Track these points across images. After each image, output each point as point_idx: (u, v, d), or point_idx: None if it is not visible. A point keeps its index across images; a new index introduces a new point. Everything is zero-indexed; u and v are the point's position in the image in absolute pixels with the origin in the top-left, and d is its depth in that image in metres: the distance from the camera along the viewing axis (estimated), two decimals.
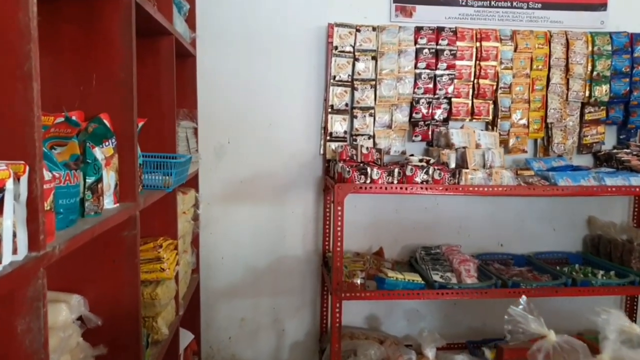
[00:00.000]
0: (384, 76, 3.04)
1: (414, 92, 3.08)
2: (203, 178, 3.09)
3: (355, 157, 2.85)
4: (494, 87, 3.12)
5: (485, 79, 3.11)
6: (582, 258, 3.28)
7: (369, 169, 2.58)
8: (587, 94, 3.18)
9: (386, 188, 2.59)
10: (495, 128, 3.16)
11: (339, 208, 2.55)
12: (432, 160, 2.81)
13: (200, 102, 3.01)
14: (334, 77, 3.03)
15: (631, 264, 2.96)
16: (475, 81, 3.12)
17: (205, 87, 3.04)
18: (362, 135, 3.08)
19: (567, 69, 3.15)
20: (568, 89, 3.16)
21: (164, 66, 2.22)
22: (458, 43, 3.08)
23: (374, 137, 3.10)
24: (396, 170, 2.62)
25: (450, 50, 3.07)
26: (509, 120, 3.16)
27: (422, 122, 3.12)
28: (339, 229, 2.56)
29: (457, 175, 2.64)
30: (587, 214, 3.39)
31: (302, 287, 3.27)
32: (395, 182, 2.62)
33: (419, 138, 3.13)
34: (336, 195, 2.54)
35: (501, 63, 3.11)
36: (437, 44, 3.07)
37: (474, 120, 3.16)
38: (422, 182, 2.61)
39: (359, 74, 3.05)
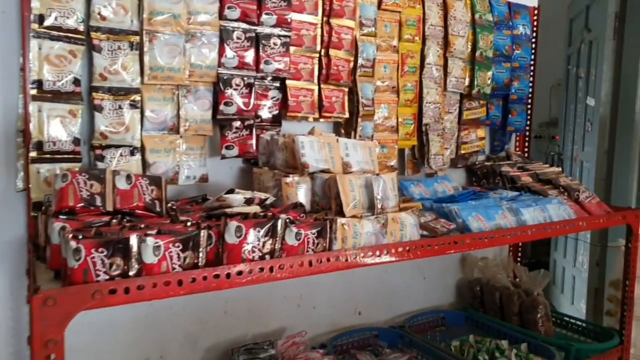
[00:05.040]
0: (157, 26, 1.48)
1: (219, 64, 1.60)
2: None
3: (99, 202, 1.23)
4: (351, 64, 1.87)
5: (339, 50, 1.83)
6: (465, 317, 2.31)
7: (133, 242, 1.01)
8: (467, 82, 2.19)
9: (181, 283, 1.06)
10: (353, 132, 1.91)
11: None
12: (269, 200, 1.39)
13: None
14: (40, 19, 1.34)
15: (538, 326, 2.08)
16: (324, 52, 1.82)
17: None
18: (117, 146, 1.47)
19: (446, 43, 2.09)
20: (446, 74, 2.11)
21: None
22: None
23: (142, 150, 1.52)
24: (202, 234, 1.11)
25: None
26: (372, 120, 1.95)
27: (239, 122, 1.66)
28: None
29: (328, 232, 1.28)
30: None
31: None
32: (202, 263, 1.11)
33: (234, 151, 1.67)
34: (39, 331, 0.91)
35: (361, 25, 1.88)
36: None
37: (323, 119, 1.86)
38: (261, 258, 1.16)
39: (103, 18, 1.42)
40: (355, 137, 1.89)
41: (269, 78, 1.71)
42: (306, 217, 1.33)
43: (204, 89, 1.60)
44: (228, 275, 1.11)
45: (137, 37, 1.47)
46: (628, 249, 2.06)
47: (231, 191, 1.33)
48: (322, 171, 1.47)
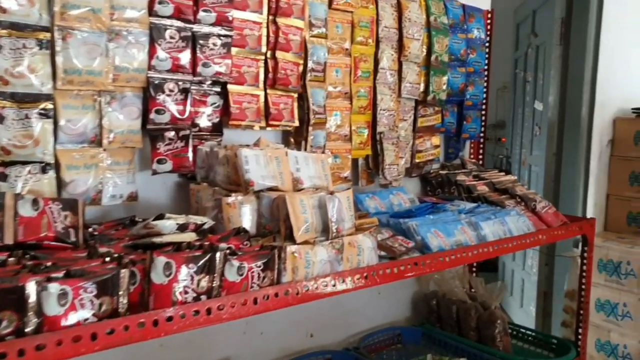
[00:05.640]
0: (72, 22, 1.27)
1: (150, 66, 1.40)
2: None
3: None
4: (300, 68, 1.71)
5: (286, 52, 1.67)
6: (421, 333, 2.21)
7: (30, 290, 0.81)
8: (422, 87, 2.09)
9: (95, 337, 0.87)
10: (304, 142, 1.75)
11: None
12: (206, 224, 1.21)
13: None
14: None
15: (496, 342, 2.01)
16: (270, 54, 1.65)
17: None
18: (24, 163, 1.24)
19: (400, 47, 1.98)
20: (401, 79, 2.00)
21: None
22: None
23: (57, 166, 1.30)
24: (122, 275, 0.92)
25: None
26: (324, 129, 1.80)
27: (174, 132, 1.47)
28: None
29: (275, 263, 1.12)
30: None
31: None
32: (124, 309, 0.92)
33: (167, 166, 1.47)
34: None
35: (311, 25, 1.72)
36: None
37: (270, 127, 1.69)
38: (195, 298, 0.99)
39: (3, 11, 1.19)
40: (306, 147, 1.74)
41: (208, 82, 1.53)
42: (250, 245, 1.16)
43: (131, 95, 1.39)
44: (155, 323, 0.93)
45: (48, 34, 1.24)
46: (584, 259, 2.02)
47: (161, 216, 1.15)
48: (270, 189, 1.31)
